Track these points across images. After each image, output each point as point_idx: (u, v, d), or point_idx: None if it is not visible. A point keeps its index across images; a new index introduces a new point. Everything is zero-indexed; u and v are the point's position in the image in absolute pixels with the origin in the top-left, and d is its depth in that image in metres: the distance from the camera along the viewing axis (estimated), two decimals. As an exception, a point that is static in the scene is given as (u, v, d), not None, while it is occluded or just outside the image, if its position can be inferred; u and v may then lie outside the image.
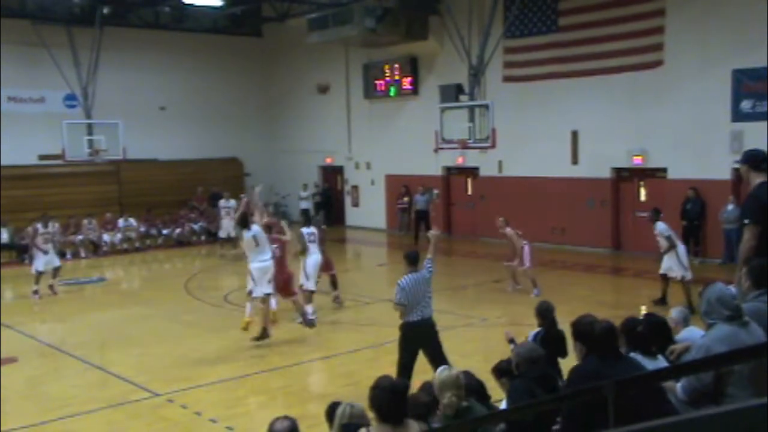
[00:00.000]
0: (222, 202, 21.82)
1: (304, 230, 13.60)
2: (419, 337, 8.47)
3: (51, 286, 16.28)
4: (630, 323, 5.79)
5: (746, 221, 5.74)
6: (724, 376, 4.28)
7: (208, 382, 9.93)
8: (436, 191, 23.90)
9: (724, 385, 4.30)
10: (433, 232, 9.55)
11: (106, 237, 22.59)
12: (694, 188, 17.45)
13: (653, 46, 18.12)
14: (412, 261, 8.76)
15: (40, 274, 16.11)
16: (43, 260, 16.23)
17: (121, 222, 23.11)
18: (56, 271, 16.51)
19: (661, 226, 13.34)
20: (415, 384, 6.94)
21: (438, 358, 8.29)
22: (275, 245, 12.39)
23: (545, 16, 20.19)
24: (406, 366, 8.37)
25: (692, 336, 5.74)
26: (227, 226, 20.95)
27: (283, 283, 12.52)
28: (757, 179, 5.77)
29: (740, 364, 4.16)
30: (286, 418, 4.87)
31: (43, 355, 11.57)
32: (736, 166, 6.14)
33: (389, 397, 4.32)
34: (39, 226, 16.64)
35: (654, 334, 5.68)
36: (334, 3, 21.59)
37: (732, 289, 5.05)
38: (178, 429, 8.46)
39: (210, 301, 15.35)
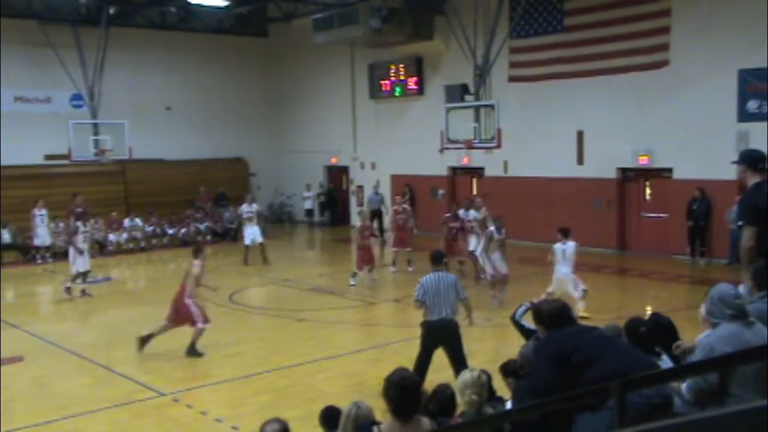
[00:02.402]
0: (245, 207, 20.10)
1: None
2: (438, 337, 8.50)
3: (83, 291, 15.91)
4: (633, 324, 5.78)
5: (740, 223, 5.83)
6: (728, 375, 4.28)
7: (213, 381, 9.95)
8: (441, 191, 23.90)
9: (728, 384, 4.29)
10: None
11: (111, 237, 22.64)
12: (701, 188, 17.41)
13: (659, 47, 18.08)
14: (436, 260, 8.85)
15: (80, 274, 15.68)
16: (82, 261, 15.67)
17: (126, 222, 23.15)
18: (86, 275, 16.02)
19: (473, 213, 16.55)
20: (433, 381, 6.91)
21: (457, 359, 8.34)
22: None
23: (551, 16, 20.17)
24: (421, 363, 8.43)
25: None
26: (251, 233, 19.70)
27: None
28: (752, 180, 5.79)
29: (744, 365, 4.15)
30: (276, 420, 4.85)
31: (48, 355, 11.60)
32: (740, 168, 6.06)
33: (397, 392, 4.29)
34: (79, 224, 16.26)
35: (658, 334, 5.67)
36: (340, 3, 21.60)
37: (740, 289, 5.05)
38: (183, 428, 8.47)
39: (215, 300, 15.34)
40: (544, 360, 4.83)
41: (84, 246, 15.88)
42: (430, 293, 8.48)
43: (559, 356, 4.67)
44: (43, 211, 20.94)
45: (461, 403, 5.78)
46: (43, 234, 21.01)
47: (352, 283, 16.06)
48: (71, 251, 15.93)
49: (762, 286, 5.00)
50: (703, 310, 6.54)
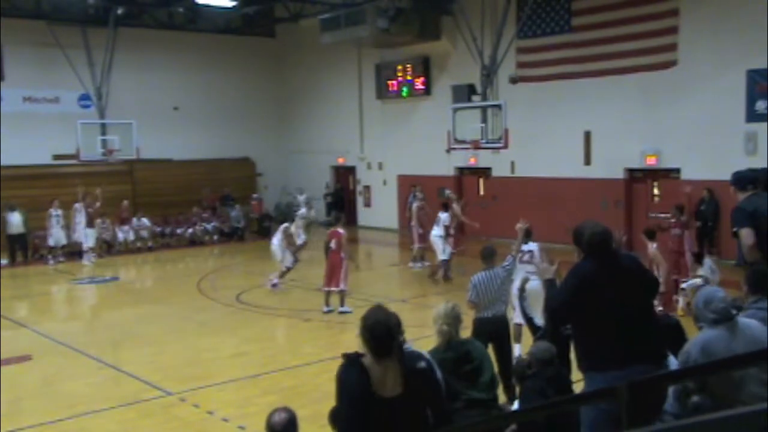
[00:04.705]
0: (303, 212, 19.34)
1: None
2: (490, 333, 8.38)
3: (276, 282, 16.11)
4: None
5: (734, 229, 6.22)
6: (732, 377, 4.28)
7: (220, 381, 9.96)
8: (448, 191, 23.86)
9: (735, 388, 4.28)
10: (520, 225, 9.63)
11: (120, 233, 22.55)
12: (709, 189, 17.35)
13: (667, 47, 18.03)
14: (486, 257, 8.82)
15: (288, 270, 16.13)
16: (291, 258, 16.14)
17: (134, 222, 23.14)
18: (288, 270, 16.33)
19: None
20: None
21: (505, 355, 8.33)
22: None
23: (558, 16, 20.13)
24: None
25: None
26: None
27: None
28: (742, 197, 6.27)
29: (733, 371, 4.17)
30: (284, 409, 4.89)
31: (56, 354, 11.64)
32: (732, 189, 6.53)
33: (371, 336, 4.28)
34: (292, 226, 16.66)
35: (665, 335, 5.66)
36: (347, 3, 21.61)
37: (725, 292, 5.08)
38: (190, 428, 8.49)
39: (222, 300, 15.40)
40: (572, 279, 5.03)
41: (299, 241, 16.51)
42: (481, 292, 8.44)
43: (583, 283, 4.90)
44: (59, 212, 20.90)
45: (433, 333, 5.92)
46: (57, 234, 20.98)
47: (349, 310, 13.39)
48: (278, 250, 16.13)
49: (757, 291, 5.01)
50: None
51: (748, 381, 4.24)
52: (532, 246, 10.51)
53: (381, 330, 4.25)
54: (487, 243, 10.51)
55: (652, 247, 12.00)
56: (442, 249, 16.43)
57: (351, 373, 4.24)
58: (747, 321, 4.57)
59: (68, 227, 20.93)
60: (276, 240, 16.34)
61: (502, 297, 8.57)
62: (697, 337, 4.58)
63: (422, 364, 4.29)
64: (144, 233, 23.18)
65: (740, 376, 4.24)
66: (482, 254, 8.93)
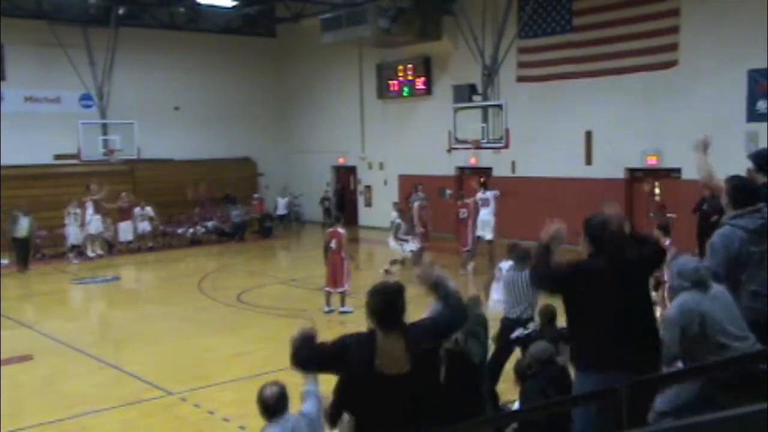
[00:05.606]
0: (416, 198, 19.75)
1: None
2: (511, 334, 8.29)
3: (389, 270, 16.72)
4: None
5: None
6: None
7: (221, 381, 9.98)
8: (449, 191, 23.88)
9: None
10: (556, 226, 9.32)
11: (120, 231, 22.46)
12: (710, 188, 17.32)
13: (668, 46, 18.02)
14: (519, 259, 8.65)
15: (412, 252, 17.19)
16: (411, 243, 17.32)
17: (137, 210, 22.81)
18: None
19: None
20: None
21: None
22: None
23: (559, 16, 20.12)
24: (496, 358, 8.06)
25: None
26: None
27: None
28: (759, 180, 6.10)
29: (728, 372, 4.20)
30: (275, 383, 5.00)
31: (57, 354, 11.65)
32: (750, 167, 6.40)
33: (381, 299, 4.27)
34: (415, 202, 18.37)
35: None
36: (348, 3, 21.62)
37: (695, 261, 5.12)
38: (190, 428, 8.50)
39: (223, 300, 15.41)
40: (572, 266, 5.26)
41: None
42: (508, 291, 8.40)
43: (579, 275, 5.15)
44: (78, 210, 20.88)
45: None
46: (75, 232, 20.96)
47: (350, 309, 13.29)
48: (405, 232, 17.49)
49: (737, 204, 5.15)
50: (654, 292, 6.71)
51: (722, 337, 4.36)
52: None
53: (391, 294, 4.22)
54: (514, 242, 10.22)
55: (665, 243, 11.82)
56: (492, 227, 16.54)
57: (357, 348, 4.24)
58: (719, 288, 4.68)
59: (82, 225, 20.99)
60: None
61: (528, 299, 8.36)
62: (676, 301, 4.65)
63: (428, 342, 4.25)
64: (146, 225, 22.89)
65: (721, 341, 4.34)
66: (517, 256, 8.76)
